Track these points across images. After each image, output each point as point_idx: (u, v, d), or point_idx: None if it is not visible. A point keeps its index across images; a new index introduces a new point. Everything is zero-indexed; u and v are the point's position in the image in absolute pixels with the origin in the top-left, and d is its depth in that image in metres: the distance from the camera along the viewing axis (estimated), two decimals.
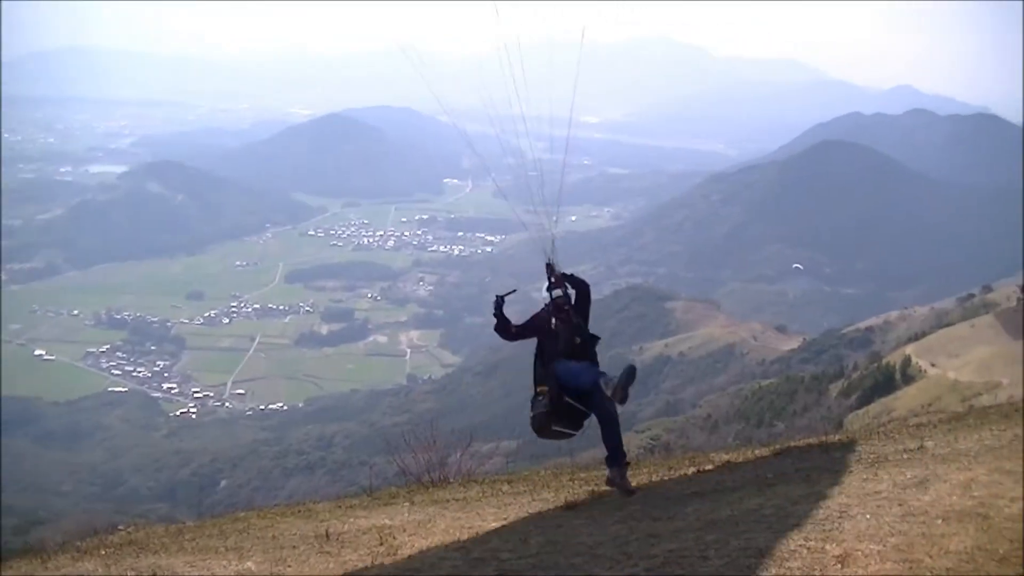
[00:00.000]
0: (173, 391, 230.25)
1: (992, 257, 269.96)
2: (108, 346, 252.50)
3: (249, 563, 10.67)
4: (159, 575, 10.20)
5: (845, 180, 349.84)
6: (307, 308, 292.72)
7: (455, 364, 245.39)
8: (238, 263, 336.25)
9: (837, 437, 15.85)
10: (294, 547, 11.37)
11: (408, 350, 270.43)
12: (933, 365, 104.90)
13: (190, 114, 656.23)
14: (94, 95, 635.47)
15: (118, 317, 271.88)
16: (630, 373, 12.64)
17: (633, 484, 13.13)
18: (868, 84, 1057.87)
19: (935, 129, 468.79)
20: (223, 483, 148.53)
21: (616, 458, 12.96)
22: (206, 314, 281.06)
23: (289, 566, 10.46)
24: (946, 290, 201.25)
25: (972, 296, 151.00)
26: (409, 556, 10.32)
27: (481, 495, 14.25)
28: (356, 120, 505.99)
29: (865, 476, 10.68)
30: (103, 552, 11.81)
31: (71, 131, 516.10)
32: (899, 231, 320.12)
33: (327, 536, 11.71)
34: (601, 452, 13.60)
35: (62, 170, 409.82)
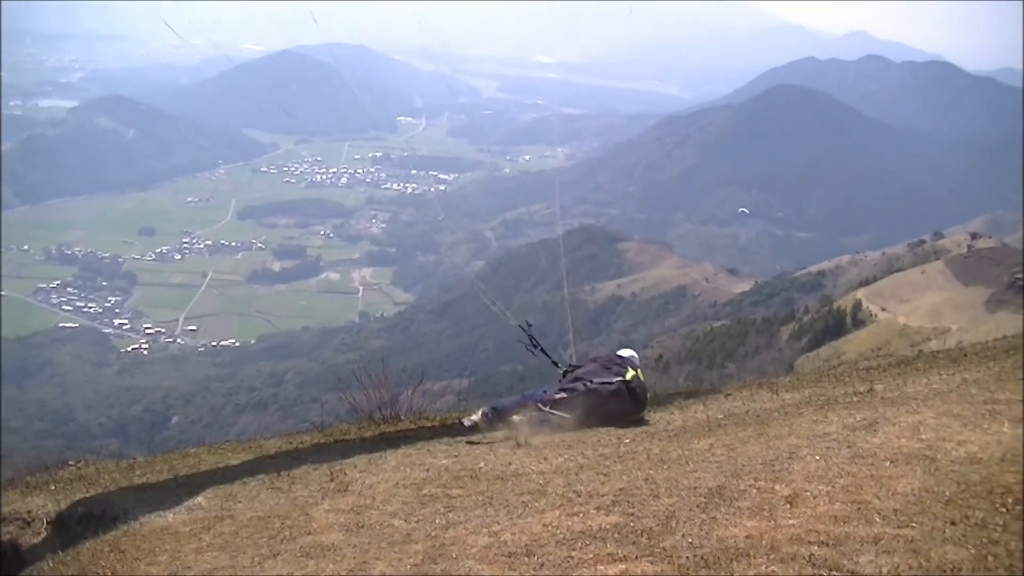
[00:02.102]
0: (124, 327, 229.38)
1: (943, 204, 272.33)
2: (59, 282, 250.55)
3: (199, 498, 10.67)
4: (108, 510, 10.15)
5: (798, 125, 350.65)
6: (259, 245, 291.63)
7: (407, 302, 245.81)
8: (190, 199, 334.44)
9: (787, 379, 15.97)
10: (244, 483, 11.36)
11: (360, 288, 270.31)
12: (883, 310, 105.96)
13: (141, 49, 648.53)
14: (44, 28, 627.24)
15: (68, 253, 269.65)
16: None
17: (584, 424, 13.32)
18: (823, 29, 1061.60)
19: (889, 76, 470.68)
20: (174, 419, 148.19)
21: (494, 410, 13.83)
22: (158, 250, 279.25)
23: (239, 501, 10.45)
24: (897, 236, 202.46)
25: (923, 242, 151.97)
26: (359, 492, 10.29)
27: (432, 433, 14.24)
28: (309, 57, 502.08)
29: (815, 418, 10.74)
30: (52, 487, 11.77)
31: (20, 64, 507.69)
32: (852, 176, 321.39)
33: (278, 472, 11.69)
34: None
35: (11, 104, 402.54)
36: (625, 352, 14.64)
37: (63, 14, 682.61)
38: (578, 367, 14.50)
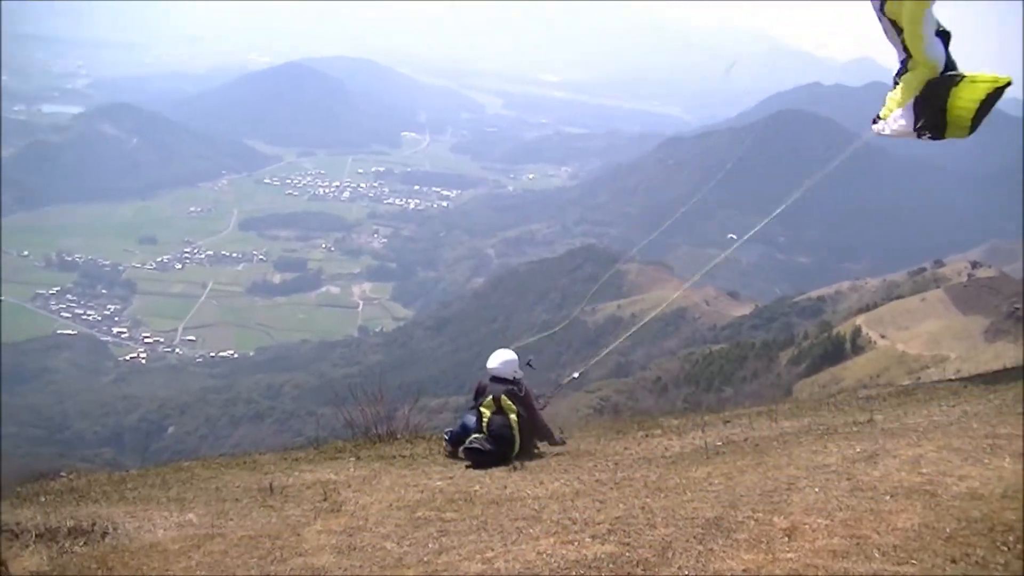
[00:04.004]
0: (123, 335, 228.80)
1: (944, 232, 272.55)
2: (58, 288, 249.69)
3: (191, 515, 10.57)
4: (98, 525, 10.04)
5: (802, 150, 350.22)
6: (260, 257, 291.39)
7: (406, 318, 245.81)
8: (192, 209, 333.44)
9: (786, 406, 15.90)
10: (237, 500, 11.28)
11: (360, 302, 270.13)
12: (883, 336, 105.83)
13: (147, 56, 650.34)
14: (51, 33, 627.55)
15: (69, 259, 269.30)
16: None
17: (581, 447, 13.24)
18: (827, 56, 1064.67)
19: None
20: (170, 430, 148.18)
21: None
22: (158, 259, 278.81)
23: (231, 519, 10.35)
24: (897, 263, 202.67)
25: (923, 270, 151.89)
26: (352, 513, 10.21)
27: (428, 451, 14.25)
28: (314, 69, 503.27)
29: (814, 448, 10.69)
30: (42, 499, 11.70)
31: (25, 70, 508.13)
32: (854, 203, 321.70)
33: (271, 489, 11.62)
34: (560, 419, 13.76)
35: (15, 109, 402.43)
36: (494, 361, 14.18)
37: (71, 19, 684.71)
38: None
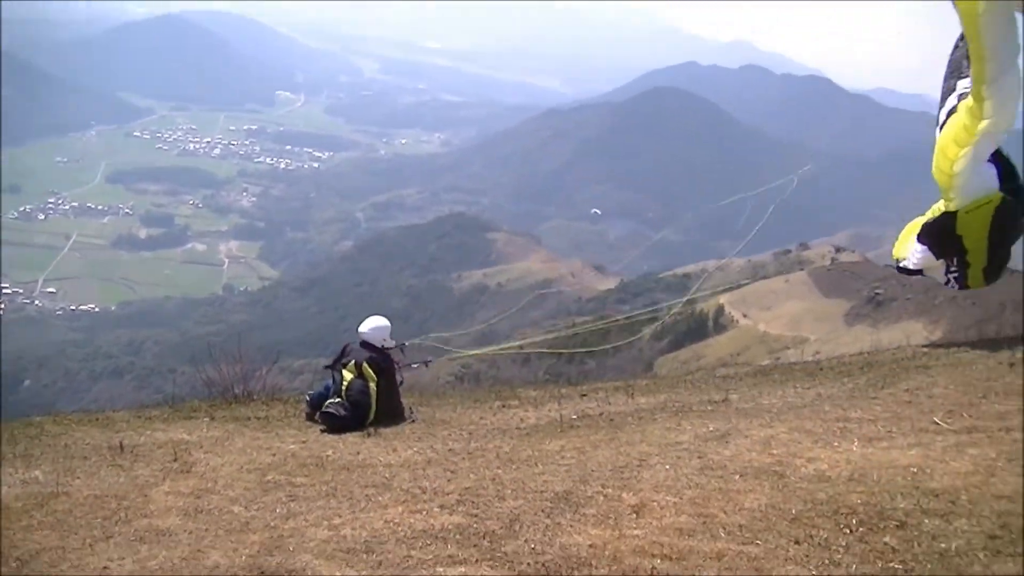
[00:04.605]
0: None
1: (812, 215, 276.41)
2: None
3: (36, 472, 10.31)
4: None
5: (676, 127, 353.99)
6: (127, 210, 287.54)
7: (272, 278, 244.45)
8: (59, 159, 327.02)
9: (644, 382, 15.96)
10: (85, 458, 11.02)
11: (226, 260, 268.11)
12: (745, 316, 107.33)
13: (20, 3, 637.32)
14: None
15: None
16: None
17: (437, 415, 13.33)
18: (712, 37, 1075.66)
19: (769, 86, 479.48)
20: (26, 383, 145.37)
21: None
22: (21, 208, 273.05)
23: (77, 478, 10.11)
24: (765, 244, 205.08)
25: (789, 252, 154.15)
26: (202, 474, 10.06)
27: (283, 414, 14.09)
28: (193, 23, 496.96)
29: (668, 425, 10.73)
30: None
31: None
32: (724, 181, 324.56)
33: (121, 448, 11.37)
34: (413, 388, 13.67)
35: None
36: (366, 326, 14.11)
37: None
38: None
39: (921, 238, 14.52)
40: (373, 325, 13.98)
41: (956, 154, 13.15)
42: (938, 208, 14.25)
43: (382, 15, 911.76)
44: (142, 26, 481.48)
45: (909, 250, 15.09)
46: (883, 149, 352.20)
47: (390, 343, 14.05)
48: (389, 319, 14.30)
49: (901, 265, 15.62)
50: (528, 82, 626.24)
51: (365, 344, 13.73)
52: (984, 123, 12.62)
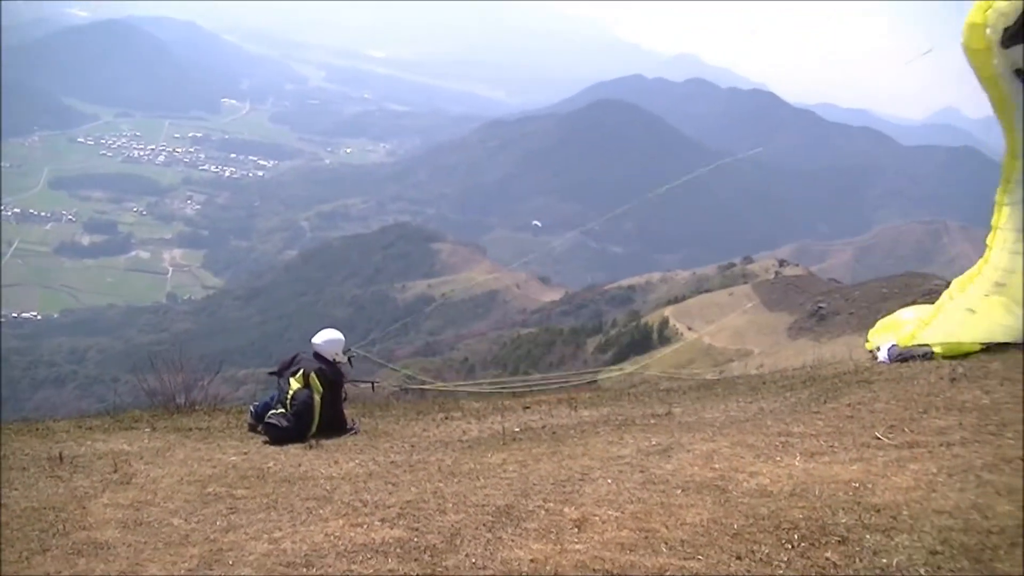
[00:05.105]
0: None
1: (756, 229, 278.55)
2: None
3: None
4: None
5: (620, 139, 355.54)
6: (70, 217, 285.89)
7: (216, 287, 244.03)
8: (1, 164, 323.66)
9: (587, 394, 15.97)
10: (24, 468, 10.85)
11: (170, 268, 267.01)
12: (689, 328, 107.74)
13: None
14: None
15: None
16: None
17: (379, 427, 13.27)
18: (656, 50, 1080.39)
19: (714, 99, 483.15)
20: None
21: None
22: None
23: (15, 489, 9.96)
24: (710, 257, 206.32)
25: (733, 265, 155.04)
26: (142, 486, 9.94)
27: (225, 425, 14.00)
28: (137, 28, 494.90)
29: (611, 439, 10.73)
30: None
31: None
32: (669, 195, 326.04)
33: (60, 459, 11.21)
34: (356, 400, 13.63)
35: None
36: (319, 338, 14.00)
37: None
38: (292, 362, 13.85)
39: (892, 358, 14.06)
40: (327, 338, 13.87)
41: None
42: (913, 326, 14.45)
43: (324, 23, 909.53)
44: (86, 31, 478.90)
45: (882, 347, 14.66)
46: (826, 163, 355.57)
47: (342, 358, 14.00)
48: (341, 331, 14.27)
49: (872, 351, 15.20)
50: (473, 92, 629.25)
51: (317, 356, 13.65)
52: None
